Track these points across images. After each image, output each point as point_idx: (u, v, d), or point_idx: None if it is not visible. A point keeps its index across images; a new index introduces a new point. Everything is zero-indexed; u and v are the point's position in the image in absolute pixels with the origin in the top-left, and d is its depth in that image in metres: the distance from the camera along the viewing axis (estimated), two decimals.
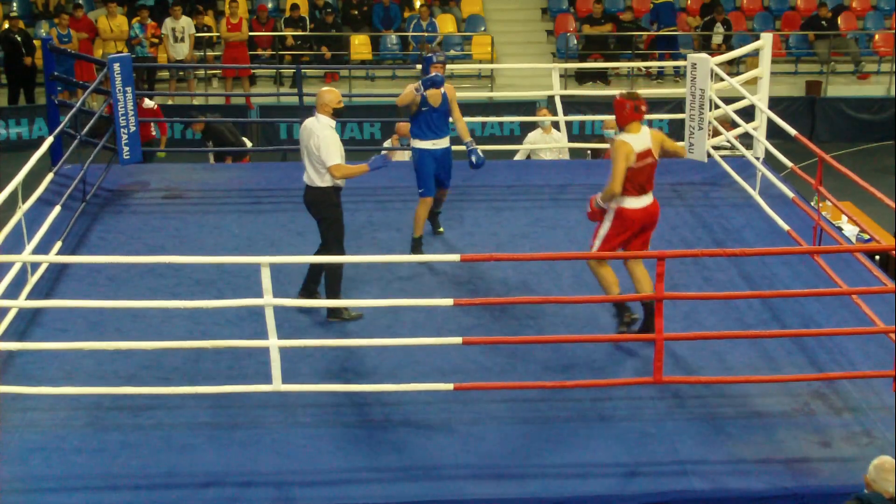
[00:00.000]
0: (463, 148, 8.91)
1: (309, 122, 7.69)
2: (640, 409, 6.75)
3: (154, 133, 13.44)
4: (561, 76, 16.73)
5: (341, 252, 7.78)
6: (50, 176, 9.11)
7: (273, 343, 6.46)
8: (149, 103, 13.13)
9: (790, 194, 9.37)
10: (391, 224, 9.50)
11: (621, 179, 7.17)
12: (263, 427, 6.53)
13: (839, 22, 19.52)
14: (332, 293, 7.73)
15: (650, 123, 16.40)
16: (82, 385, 6.70)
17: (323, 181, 7.64)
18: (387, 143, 12.29)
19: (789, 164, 9.16)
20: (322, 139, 7.53)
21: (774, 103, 11.92)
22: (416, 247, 8.85)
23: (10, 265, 7.63)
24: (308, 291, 7.91)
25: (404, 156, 11.67)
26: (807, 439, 6.37)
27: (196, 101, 17.35)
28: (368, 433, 6.49)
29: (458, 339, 6.74)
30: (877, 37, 19.63)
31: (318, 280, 7.91)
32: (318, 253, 7.84)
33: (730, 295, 7.88)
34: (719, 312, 7.77)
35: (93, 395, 6.63)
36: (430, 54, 8.75)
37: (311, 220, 7.91)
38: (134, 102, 10.31)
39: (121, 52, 15.79)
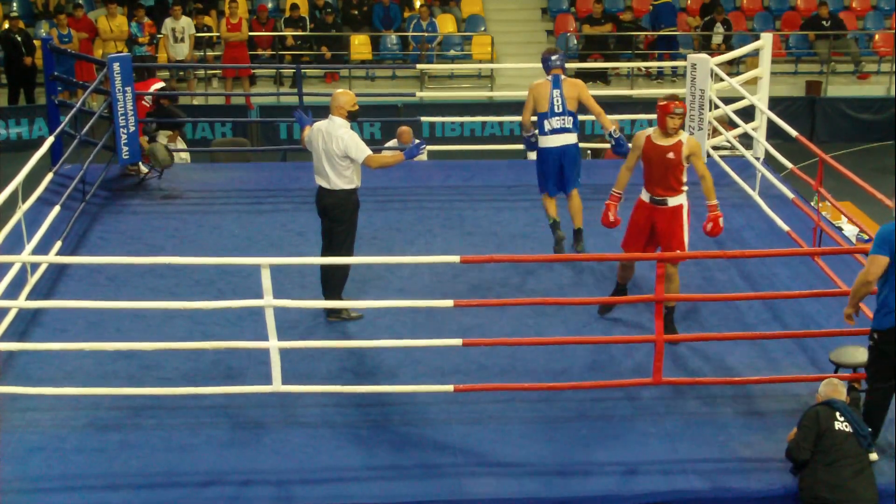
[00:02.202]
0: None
1: (322, 124, 7.57)
2: (640, 409, 6.75)
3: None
4: None
5: (350, 256, 7.72)
6: (50, 176, 9.11)
7: (273, 344, 6.45)
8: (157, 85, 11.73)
9: (790, 195, 9.37)
10: (391, 224, 9.50)
11: None
12: (263, 427, 6.53)
13: (839, 21, 19.50)
14: (334, 294, 7.72)
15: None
16: (82, 385, 6.69)
17: (346, 183, 7.55)
18: (388, 144, 12.26)
19: (789, 164, 9.16)
20: (347, 139, 7.44)
21: (774, 103, 11.91)
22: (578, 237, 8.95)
23: (10, 265, 7.64)
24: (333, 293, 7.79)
25: None
26: None
27: (196, 101, 17.34)
28: (368, 433, 6.48)
29: (458, 341, 6.74)
30: (877, 37, 19.61)
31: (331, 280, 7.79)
32: (324, 254, 7.79)
33: (730, 296, 7.88)
34: (720, 313, 7.77)
35: (93, 396, 6.63)
36: (553, 55, 8.72)
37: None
38: (134, 103, 10.30)
39: (121, 52, 15.77)
